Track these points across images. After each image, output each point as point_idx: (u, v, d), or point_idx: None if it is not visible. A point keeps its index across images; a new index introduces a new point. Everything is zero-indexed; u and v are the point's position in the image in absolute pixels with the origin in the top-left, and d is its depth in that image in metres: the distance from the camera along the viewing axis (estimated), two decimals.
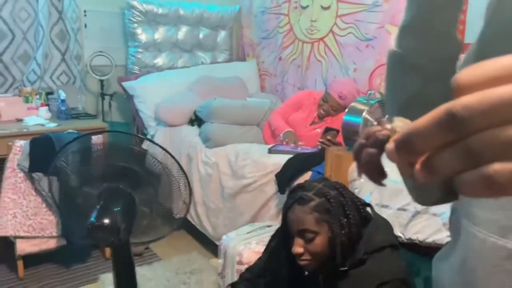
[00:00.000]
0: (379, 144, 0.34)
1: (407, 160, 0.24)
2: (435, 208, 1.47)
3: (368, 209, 1.22)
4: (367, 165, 0.33)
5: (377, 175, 0.33)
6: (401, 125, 0.28)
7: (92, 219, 1.09)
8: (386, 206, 1.59)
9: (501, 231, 0.47)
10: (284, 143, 2.51)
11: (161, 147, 1.25)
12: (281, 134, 2.58)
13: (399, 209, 1.57)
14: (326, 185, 1.17)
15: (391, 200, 1.59)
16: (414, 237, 1.52)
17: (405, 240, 1.52)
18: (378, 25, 2.69)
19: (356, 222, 1.14)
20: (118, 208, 1.13)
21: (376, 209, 1.51)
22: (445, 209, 1.45)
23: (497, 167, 0.21)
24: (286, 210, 1.18)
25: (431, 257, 0.65)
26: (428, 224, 1.49)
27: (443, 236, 1.44)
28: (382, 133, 0.33)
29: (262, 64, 3.64)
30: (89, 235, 1.08)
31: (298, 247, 1.12)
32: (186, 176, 1.29)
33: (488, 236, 0.48)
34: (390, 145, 0.24)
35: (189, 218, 2.78)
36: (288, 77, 3.37)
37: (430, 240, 1.46)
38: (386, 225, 1.23)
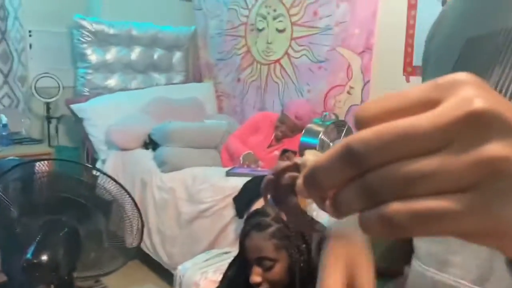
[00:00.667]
0: (289, 180, 0.35)
1: (318, 196, 0.23)
2: None
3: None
4: (279, 199, 0.33)
5: (292, 210, 0.33)
6: (311, 158, 0.28)
7: (28, 255, 1.01)
8: None
9: (440, 264, 0.46)
10: (245, 165, 2.49)
11: (111, 178, 1.19)
12: (241, 157, 2.55)
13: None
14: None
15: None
16: None
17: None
18: (330, 47, 2.76)
19: (315, 251, 1.12)
20: (59, 243, 1.05)
21: None
22: None
23: (396, 207, 0.20)
24: (243, 237, 1.15)
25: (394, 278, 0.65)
26: None
27: None
28: (291, 173, 0.34)
29: (219, 85, 3.63)
30: (25, 273, 0.99)
31: (256, 276, 1.09)
32: (138, 208, 1.22)
33: (426, 270, 0.47)
34: (299, 181, 0.23)
35: (143, 247, 2.67)
36: (247, 98, 3.38)
37: None
38: None
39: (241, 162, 2.53)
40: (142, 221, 1.37)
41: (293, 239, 1.10)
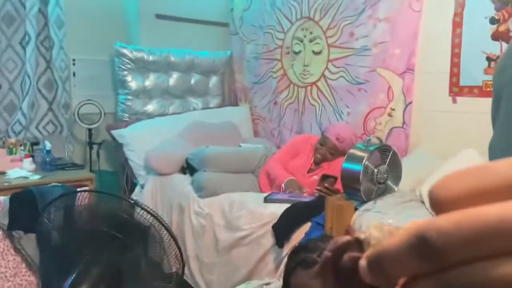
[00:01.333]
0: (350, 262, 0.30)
1: (384, 282, 0.20)
2: None
3: None
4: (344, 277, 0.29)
5: None
6: (376, 236, 0.25)
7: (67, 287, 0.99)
8: None
9: None
10: (288, 191, 2.42)
11: (150, 213, 1.17)
12: (283, 184, 2.49)
13: None
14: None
15: None
16: None
17: None
18: (369, 68, 2.70)
19: None
20: (98, 277, 1.03)
21: None
22: None
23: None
24: (287, 275, 1.09)
25: None
26: None
27: None
28: (351, 254, 0.29)
29: (254, 109, 3.62)
30: None
31: None
32: (176, 241, 1.19)
33: None
34: (363, 262, 0.21)
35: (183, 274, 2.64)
36: (285, 121, 3.35)
37: None
38: None
39: (283, 189, 2.46)
40: (179, 247, 1.34)
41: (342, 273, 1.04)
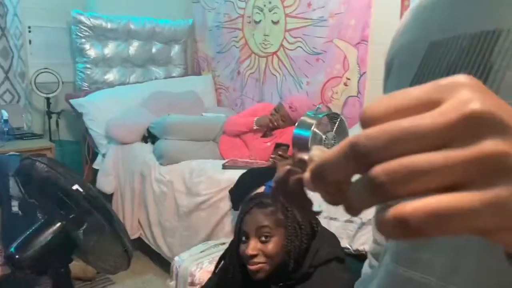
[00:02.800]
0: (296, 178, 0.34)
1: (324, 190, 0.24)
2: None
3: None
4: (294, 198, 0.33)
5: (305, 206, 0.33)
6: (318, 153, 0.28)
7: (12, 249, 1.07)
8: (334, 219, 1.66)
9: (408, 262, 0.47)
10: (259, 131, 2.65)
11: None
12: (254, 122, 2.66)
13: (346, 221, 1.63)
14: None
15: (339, 212, 1.66)
16: (361, 248, 1.58)
17: (353, 252, 1.59)
18: (326, 39, 2.80)
19: (308, 234, 1.19)
20: (47, 238, 1.11)
21: (325, 222, 1.57)
22: None
23: (413, 206, 0.20)
24: (243, 214, 1.22)
25: None
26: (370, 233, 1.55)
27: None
28: (296, 176, 0.33)
29: (218, 78, 3.68)
30: (10, 266, 1.05)
31: (252, 248, 1.16)
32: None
33: (397, 268, 0.48)
34: (306, 175, 0.25)
35: (144, 238, 2.75)
36: (247, 91, 3.43)
37: None
38: (332, 238, 1.29)
39: (255, 127, 2.66)
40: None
41: (290, 220, 1.17)
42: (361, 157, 0.22)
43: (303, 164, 0.29)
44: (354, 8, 2.65)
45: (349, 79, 2.74)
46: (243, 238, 1.22)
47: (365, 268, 0.70)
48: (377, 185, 0.21)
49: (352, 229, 1.60)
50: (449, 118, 0.21)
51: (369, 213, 1.39)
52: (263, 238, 1.17)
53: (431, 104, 0.22)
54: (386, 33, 2.39)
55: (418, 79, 0.48)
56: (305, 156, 0.30)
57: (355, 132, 0.27)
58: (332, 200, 0.24)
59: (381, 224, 0.22)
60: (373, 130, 0.21)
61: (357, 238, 1.59)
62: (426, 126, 0.21)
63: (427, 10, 0.51)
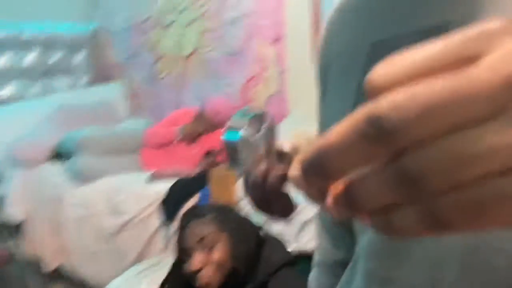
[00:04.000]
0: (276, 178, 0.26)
1: (318, 187, 0.18)
2: None
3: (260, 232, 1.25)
4: (272, 197, 0.26)
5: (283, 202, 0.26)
6: (304, 141, 0.25)
7: None
8: (272, 223, 1.64)
9: (383, 282, 0.44)
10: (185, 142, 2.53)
11: None
12: (179, 132, 2.54)
13: (287, 222, 1.62)
14: (219, 205, 1.22)
15: None
16: (306, 247, 1.59)
17: (298, 253, 1.58)
18: (242, 39, 2.79)
19: (253, 237, 1.16)
20: None
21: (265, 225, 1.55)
22: None
23: (450, 199, 0.15)
24: (182, 230, 1.16)
25: None
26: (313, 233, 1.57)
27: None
28: (276, 173, 0.26)
29: (130, 85, 3.50)
30: None
31: (197, 262, 1.10)
32: None
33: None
34: (293, 170, 0.19)
35: (65, 268, 2.52)
36: (164, 97, 3.30)
37: None
38: (279, 243, 1.27)
39: (181, 136, 2.53)
40: None
41: (233, 226, 1.14)
42: (386, 138, 0.15)
43: (282, 158, 0.24)
44: (267, 7, 2.68)
45: (268, 78, 2.76)
46: (186, 257, 1.15)
47: (316, 278, 0.66)
48: (409, 182, 0.15)
49: (294, 229, 1.60)
50: (503, 76, 0.15)
51: (311, 211, 1.39)
52: (207, 249, 1.12)
53: (464, 61, 0.16)
54: (302, 29, 2.48)
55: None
56: (285, 148, 0.25)
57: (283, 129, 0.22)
58: (322, 204, 0.19)
59: (398, 223, 0.16)
60: (399, 97, 0.15)
61: (300, 238, 1.59)
62: (478, 87, 0.15)
63: (362, 12, 0.51)
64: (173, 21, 3.13)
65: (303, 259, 1.52)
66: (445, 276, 0.39)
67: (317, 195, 0.19)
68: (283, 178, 0.22)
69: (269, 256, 1.18)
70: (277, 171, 0.23)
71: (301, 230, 1.60)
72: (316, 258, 0.67)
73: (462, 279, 0.39)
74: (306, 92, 2.64)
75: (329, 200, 0.18)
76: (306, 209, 1.56)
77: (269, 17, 2.68)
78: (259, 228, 1.24)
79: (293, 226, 1.60)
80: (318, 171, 0.17)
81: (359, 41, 0.48)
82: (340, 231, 0.64)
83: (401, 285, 0.42)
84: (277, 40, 2.68)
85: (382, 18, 0.47)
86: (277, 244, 1.26)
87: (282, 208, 0.24)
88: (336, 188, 0.18)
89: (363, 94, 0.48)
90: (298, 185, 0.19)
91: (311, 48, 2.60)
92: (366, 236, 0.46)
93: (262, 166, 0.24)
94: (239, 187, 1.84)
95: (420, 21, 0.43)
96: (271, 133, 2.08)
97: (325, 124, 0.53)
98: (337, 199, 0.18)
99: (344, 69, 0.50)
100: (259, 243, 1.19)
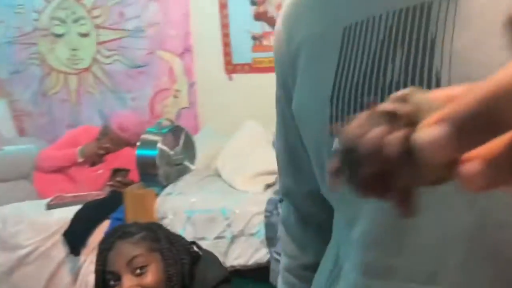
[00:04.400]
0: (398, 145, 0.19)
1: (452, 156, 0.16)
2: (250, 228, 1.52)
3: (194, 246, 1.17)
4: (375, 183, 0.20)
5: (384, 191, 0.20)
6: (423, 97, 0.19)
7: None
8: (202, 238, 1.56)
9: (382, 272, 0.43)
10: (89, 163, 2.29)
11: None
12: (78, 154, 2.30)
13: (216, 238, 1.56)
14: (146, 223, 1.13)
15: (206, 231, 1.57)
16: (235, 263, 1.53)
17: (229, 269, 1.52)
18: (147, 50, 2.68)
19: (187, 260, 1.08)
20: None
21: None
22: (259, 227, 1.52)
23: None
24: (105, 253, 1.03)
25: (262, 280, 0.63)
26: (246, 246, 1.52)
27: (262, 254, 1.49)
28: (396, 135, 0.19)
29: (16, 103, 3.12)
30: None
31: (127, 286, 0.97)
32: None
33: (369, 281, 0.44)
34: (432, 132, 0.16)
35: None
36: (56, 115, 3.00)
37: (251, 262, 1.50)
38: (214, 259, 1.21)
39: (80, 159, 2.31)
40: None
41: (164, 243, 1.05)
42: None
43: (393, 119, 0.18)
44: (172, 18, 2.60)
45: (178, 90, 2.67)
46: (112, 282, 1.02)
47: (285, 284, 0.65)
48: None
49: (223, 245, 1.53)
50: None
51: (240, 225, 1.38)
52: (138, 271, 1.01)
53: None
54: (209, 42, 2.46)
55: (343, 67, 0.46)
56: (398, 107, 0.19)
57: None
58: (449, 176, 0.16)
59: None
60: None
61: (230, 254, 1.52)
62: None
63: None
64: (65, 33, 2.88)
65: (235, 276, 1.46)
66: (450, 259, 0.38)
67: (437, 167, 0.16)
68: (406, 145, 0.16)
69: (204, 274, 1.11)
70: (396, 135, 0.17)
71: (230, 246, 1.54)
72: (283, 263, 0.65)
73: (469, 259, 0.38)
74: (218, 105, 2.62)
75: (473, 166, 0.16)
76: (238, 223, 1.51)
77: (175, 28, 2.60)
78: (192, 244, 1.17)
79: (222, 242, 1.54)
80: (491, 123, 0.15)
81: (331, 25, 0.47)
82: (306, 235, 0.64)
83: (403, 273, 0.41)
84: (184, 51, 2.61)
85: (351, 3, 0.47)
86: (212, 260, 1.19)
87: (404, 189, 0.17)
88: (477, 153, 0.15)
89: (342, 75, 0.43)
90: (435, 150, 0.16)
91: (221, 60, 2.58)
92: (358, 227, 0.44)
93: (373, 133, 0.18)
94: (159, 205, 1.72)
95: (396, 2, 0.42)
96: (191, 146, 2.00)
97: (303, 107, 0.52)
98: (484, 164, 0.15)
99: (317, 53, 0.49)
100: (193, 260, 1.12)
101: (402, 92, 0.20)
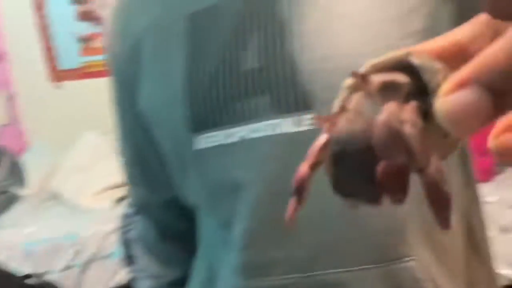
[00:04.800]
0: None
1: (487, 123, 0.14)
2: (104, 250, 1.39)
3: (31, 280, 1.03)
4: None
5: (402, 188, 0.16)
6: (421, 58, 0.16)
7: None
8: (46, 273, 1.37)
9: (260, 270, 0.44)
10: None
11: None
12: None
13: (63, 269, 1.38)
14: None
15: (50, 263, 1.38)
16: None
17: None
18: None
19: None
20: None
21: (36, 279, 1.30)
22: (114, 247, 1.39)
23: None
24: None
25: None
26: (102, 271, 1.39)
27: (121, 277, 1.38)
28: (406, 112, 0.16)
29: None
30: None
31: None
32: None
33: (246, 283, 0.44)
34: (461, 98, 0.13)
35: None
36: None
37: (111, 286, 1.38)
38: None
39: None
40: None
41: None
42: None
43: (391, 93, 0.15)
44: None
45: None
46: None
47: None
48: None
49: (73, 276, 1.36)
50: None
51: (90, 249, 1.26)
52: None
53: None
54: (28, 46, 2.18)
55: (194, 57, 0.44)
56: (390, 76, 0.16)
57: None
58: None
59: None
60: None
61: (84, 284, 1.36)
62: None
63: None
64: None
65: None
66: (327, 243, 0.41)
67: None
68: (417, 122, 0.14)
69: None
70: (410, 111, 0.14)
71: (81, 274, 1.38)
72: (146, 286, 0.61)
73: (344, 240, 0.40)
74: (47, 118, 2.33)
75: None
76: (88, 247, 1.35)
77: None
78: (26, 277, 1.03)
79: (72, 271, 1.37)
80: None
81: (173, 14, 0.46)
82: (169, 249, 0.61)
83: (284, 266, 0.42)
84: None
85: None
86: None
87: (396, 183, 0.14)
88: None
89: (195, 66, 0.41)
90: (472, 116, 0.13)
91: (45, 66, 2.30)
92: (236, 227, 0.44)
93: (384, 115, 0.14)
94: None
95: None
96: (16, 169, 1.73)
97: (153, 106, 0.48)
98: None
99: (161, 43, 0.47)
100: None
101: (369, 63, 0.16)
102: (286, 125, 0.39)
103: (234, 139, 0.41)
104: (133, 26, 0.49)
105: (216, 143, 0.42)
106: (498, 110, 0.14)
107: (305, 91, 0.38)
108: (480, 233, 0.48)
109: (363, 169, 0.16)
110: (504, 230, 1.23)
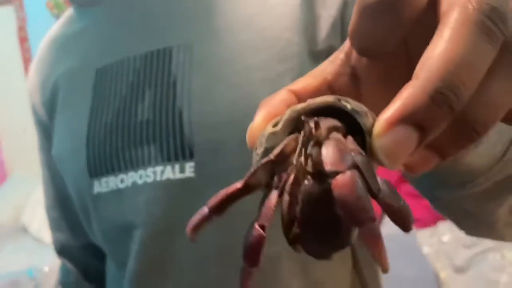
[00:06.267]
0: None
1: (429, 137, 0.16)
2: None
3: None
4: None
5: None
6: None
7: None
8: None
9: (154, 276, 0.48)
10: None
11: None
12: None
13: None
14: None
15: None
16: None
17: None
18: None
19: None
20: None
21: None
22: None
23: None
24: None
25: None
26: None
27: None
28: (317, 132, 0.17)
29: None
30: None
31: None
32: None
33: None
34: (395, 136, 0.16)
35: None
36: None
37: None
38: None
39: None
40: None
41: None
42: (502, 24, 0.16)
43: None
44: None
45: None
46: None
47: None
48: None
49: None
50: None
51: (50, 285, 1.22)
52: None
53: None
54: (12, 80, 2.19)
55: (96, 108, 0.49)
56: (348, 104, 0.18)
57: None
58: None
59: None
60: None
61: None
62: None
63: (83, 39, 0.54)
64: None
65: None
66: (206, 276, 0.44)
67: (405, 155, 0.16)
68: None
69: None
70: (349, 143, 0.17)
71: None
72: None
73: (221, 275, 0.44)
74: (26, 150, 2.32)
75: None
76: (49, 282, 1.34)
77: None
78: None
79: None
80: (455, 94, 0.16)
81: (85, 67, 0.51)
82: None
83: (175, 276, 0.45)
84: None
85: (104, 45, 0.51)
86: None
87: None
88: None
89: (97, 116, 0.45)
90: (406, 150, 0.16)
91: (26, 98, 2.34)
92: (128, 268, 0.47)
93: (333, 141, 0.17)
94: None
95: (141, 46, 0.48)
96: None
97: (61, 151, 0.53)
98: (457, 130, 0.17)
99: (73, 91, 0.52)
100: None
101: (291, 108, 0.19)
102: (170, 171, 0.43)
103: (126, 184, 0.46)
104: (52, 74, 0.54)
105: (111, 188, 0.47)
106: (422, 140, 0.16)
107: (189, 142, 0.43)
108: (368, 270, 0.50)
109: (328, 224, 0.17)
110: (460, 270, 1.24)
